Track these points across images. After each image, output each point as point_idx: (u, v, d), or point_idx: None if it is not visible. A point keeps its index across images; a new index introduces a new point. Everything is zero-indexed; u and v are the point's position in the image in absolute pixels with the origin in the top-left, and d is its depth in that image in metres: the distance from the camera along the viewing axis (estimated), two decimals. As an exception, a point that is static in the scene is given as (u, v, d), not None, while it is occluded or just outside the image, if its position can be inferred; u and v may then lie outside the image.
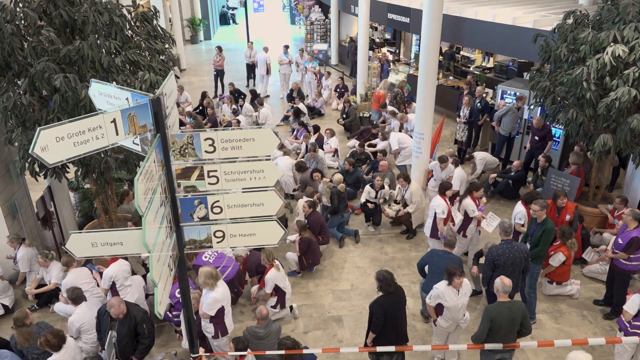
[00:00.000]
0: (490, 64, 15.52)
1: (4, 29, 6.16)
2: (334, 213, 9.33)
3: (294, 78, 17.64)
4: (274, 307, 7.18)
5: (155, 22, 7.46)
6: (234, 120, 13.51)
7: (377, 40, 20.76)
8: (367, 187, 9.73)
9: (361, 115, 14.68)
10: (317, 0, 25.06)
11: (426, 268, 6.84)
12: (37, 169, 7.02)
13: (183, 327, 6.21)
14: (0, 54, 6.31)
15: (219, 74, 17.51)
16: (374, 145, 12.26)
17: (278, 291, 7.13)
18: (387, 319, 5.77)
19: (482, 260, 7.34)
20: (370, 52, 17.67)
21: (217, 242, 4.30)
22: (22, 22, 6.43)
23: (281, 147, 10.94)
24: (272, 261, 7.11)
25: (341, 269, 8.57)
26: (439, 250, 6.78)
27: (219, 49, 17.30)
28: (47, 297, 7.61)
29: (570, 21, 8.36)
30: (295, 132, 13.28)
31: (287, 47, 17.54)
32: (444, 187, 7.99)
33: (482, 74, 14.81)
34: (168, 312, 6.74)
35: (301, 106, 14.11)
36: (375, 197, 9.63)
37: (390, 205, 9.55)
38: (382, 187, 9.61)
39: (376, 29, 21.15)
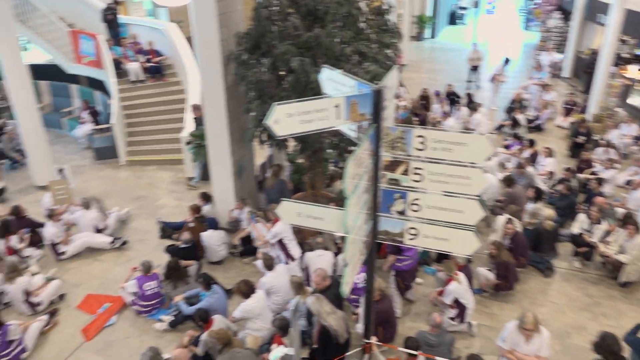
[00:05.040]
0: None
1: (261, 13, 7.05)
2: (533, 250, 8.33)
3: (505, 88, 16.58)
4: (452, 319, 6.92)
5: (387, 16, 7.72)
6: (436, 120, 13.25)
7: (624, 55, 18.01)
8: (581, 215, 8.63)
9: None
10: (559, 6, 22.85)
11: None
12: (265, 138, 7.96)
13: (360, 311, 6.43)
14: (255, 34, 7.25)
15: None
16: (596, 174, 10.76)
17: (459, 305, 6.84)
18: None
19: None
20: (613, 67, 15.45)
21: (410, 239, 4.30)
22: (276, 8, 7.28)
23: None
24: (453, 273, 6.82)
25: (533, 299, 7.81)
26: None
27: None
28: (252, 249, 8.50)
29: None
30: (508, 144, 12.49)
31: (507, 60, 17.01)
32: None
33: None
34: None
35: (520, 117, 13.19)
36: (589, 230, 8.49)
37: (608, 243, 8.27)
38: (599, 221, 8.42)
39: (624, 42, 18.34)
